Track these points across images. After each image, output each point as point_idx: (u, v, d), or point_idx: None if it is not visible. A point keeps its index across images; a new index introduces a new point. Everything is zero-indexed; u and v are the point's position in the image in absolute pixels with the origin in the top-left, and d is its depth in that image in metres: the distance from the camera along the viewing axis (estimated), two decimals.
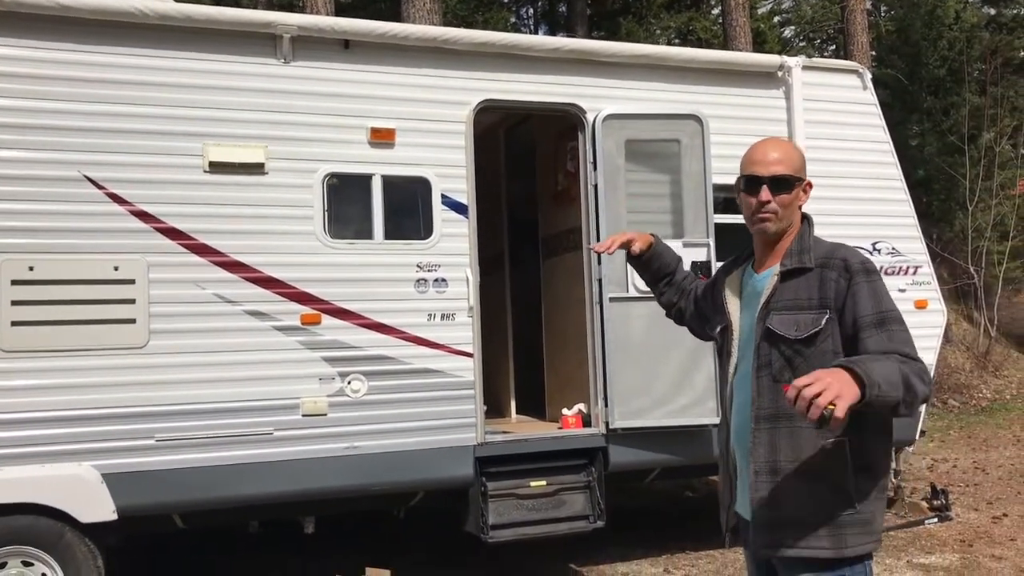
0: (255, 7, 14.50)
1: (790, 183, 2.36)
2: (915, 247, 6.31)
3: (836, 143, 6.09)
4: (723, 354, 2.49)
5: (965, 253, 14.34)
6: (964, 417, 12.00)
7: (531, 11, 22.04)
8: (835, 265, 2.28)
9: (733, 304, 2.47)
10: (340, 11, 11.29)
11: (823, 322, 2.24)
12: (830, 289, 2.25)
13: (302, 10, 10.63)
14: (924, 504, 6.83)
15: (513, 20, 20.37)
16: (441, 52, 5.27)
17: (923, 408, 6.29)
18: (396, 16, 10.76)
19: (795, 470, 2.24)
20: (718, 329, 2.53)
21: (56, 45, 4.56)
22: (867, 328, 2.19)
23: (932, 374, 6.29)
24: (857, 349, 2.19)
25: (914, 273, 6.27)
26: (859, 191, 6.11)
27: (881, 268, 6.24)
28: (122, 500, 4.44)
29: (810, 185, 2.43)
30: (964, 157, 14.62)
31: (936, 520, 6.48)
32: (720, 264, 2.78)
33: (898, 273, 6.20)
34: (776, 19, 20.40)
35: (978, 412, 12.38)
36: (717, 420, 5.23)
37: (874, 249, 6.13)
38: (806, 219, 2.43)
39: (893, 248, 6.21)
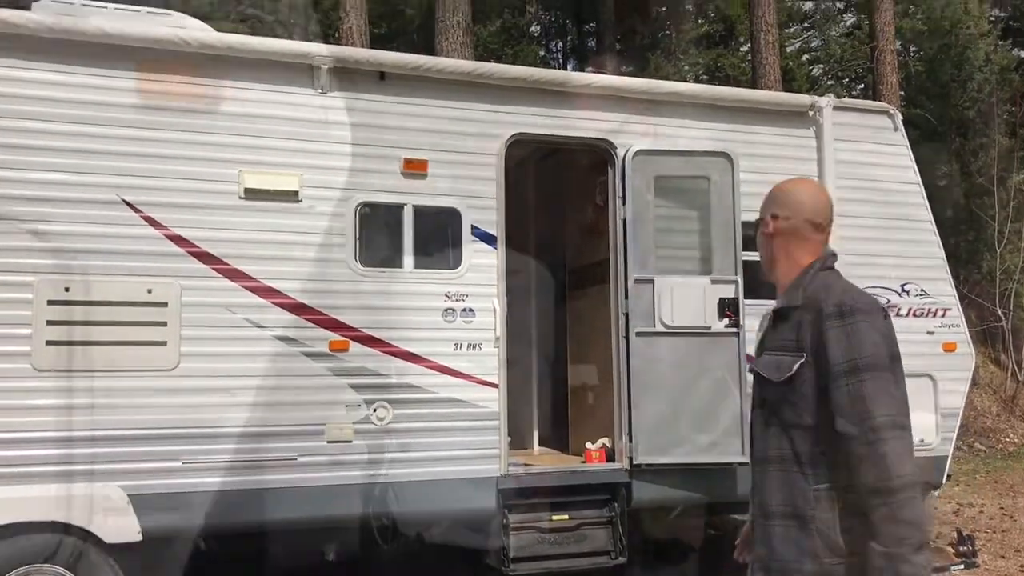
0: (290, 38, 14.70)
1: (756, 226, 2.51)
2: (944, 289, 6.27)
3: (866, 183, 6.09)
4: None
5: (993, 295, 14.20)
6: (991, 461, 11.82)
7: (560, 45, 22.19)
8: (811, 308, 2.24)
9: (758, 345, 2.49)
10: (374, 43, 11.44)
11: (795, 367, 2.21)
12: (805, 332, 2.22)
13: (337, 41, 10.79)
14: (950, 550, 6.71)
15: (543, 53, 20.51)
16: (475, 86, 5.34)
17: (950, 451, 6.22)
18: (429, 48, 10.90)
19: (782, 514, 2.24)
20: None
21: (96, 71, 4.66)
22: (836, 378, 2.15)
23: (959, 419, 6.26)
24: (829, 400, 2.15)
25: (943, 315, 6.23)
26: (889, 232, 6.10)
27: (910, 310, 6.29)
28: (147, 521, 4.48)
29: (774, 218, 2.40)
30: (993, 199, 14.53)
31: (962, 567, 6.36)
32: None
33: (927, 315, 6.16)
34: (804, 57, 20.40)
35: (1005, 457, 12.20)
36: (741, 458, 5.25)
37: (903, 290, 6.11)
38: (817, 259, 2.37)
39: (922, 290, 6.18)
